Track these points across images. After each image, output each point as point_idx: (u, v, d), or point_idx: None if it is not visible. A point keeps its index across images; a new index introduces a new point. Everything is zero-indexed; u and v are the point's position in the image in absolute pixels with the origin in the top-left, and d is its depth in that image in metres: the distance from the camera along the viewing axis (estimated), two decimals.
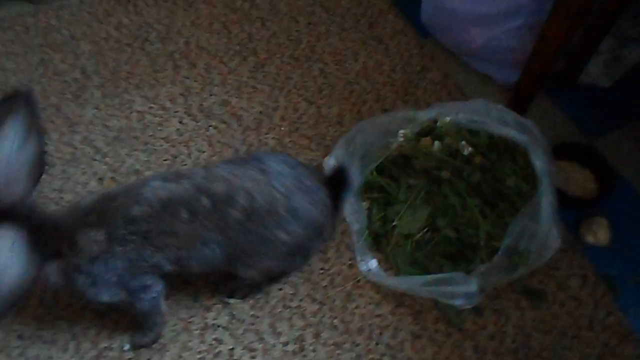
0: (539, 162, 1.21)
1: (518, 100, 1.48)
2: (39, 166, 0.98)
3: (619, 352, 1.20)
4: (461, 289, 1.16)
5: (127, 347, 1.20)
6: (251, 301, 1.25)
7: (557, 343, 1.20)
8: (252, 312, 1.24)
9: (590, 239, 1.33)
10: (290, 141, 1.49)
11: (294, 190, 1.04)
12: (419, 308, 1.24)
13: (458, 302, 1.16)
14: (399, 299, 1.25)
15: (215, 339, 1.21)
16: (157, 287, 1.09)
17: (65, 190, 1.44)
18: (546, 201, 1.17)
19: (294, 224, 1.04)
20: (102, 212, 1.01)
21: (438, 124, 1.29)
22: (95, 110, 1.60)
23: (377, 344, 1.21)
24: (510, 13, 1.45)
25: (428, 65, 1.64)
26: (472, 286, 1.16)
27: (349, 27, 1.76)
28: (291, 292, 1.26)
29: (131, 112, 1.58)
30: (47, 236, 0.97)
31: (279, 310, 1.24)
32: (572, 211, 1.36)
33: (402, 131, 1.30)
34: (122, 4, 1.84)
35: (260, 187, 1.02)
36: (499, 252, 1.18)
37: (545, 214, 1.17)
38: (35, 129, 0.96)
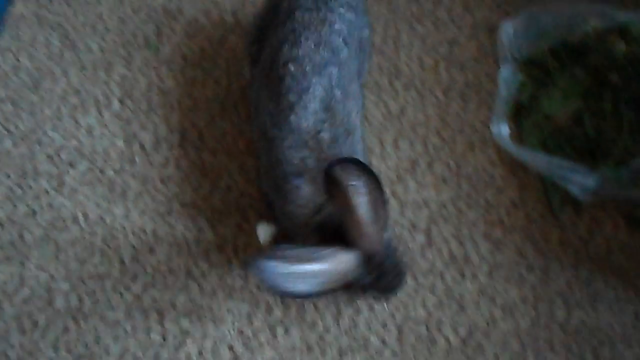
0: None
1: None
2: None
3: None
4: (580, 179, 1.21)
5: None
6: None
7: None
8: None
9: None
10: None
11: None
12: (528, 183, 1.30)
13: (572, 188, 1.22)
14: (513, 168, 1.31)
15: None
16: None
17: None
18: None
19: None
20: None
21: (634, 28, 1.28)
22: None
23: (477, 193, 1.29)
24: None
25: None
26: (591, 182, 1.21)
27: None
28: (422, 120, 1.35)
29: None
30: None
31: None
32: None
33: (593, 22, 1.30)
34: None
35: None
36: (629, 167, 1.21)
37: None
38: None
